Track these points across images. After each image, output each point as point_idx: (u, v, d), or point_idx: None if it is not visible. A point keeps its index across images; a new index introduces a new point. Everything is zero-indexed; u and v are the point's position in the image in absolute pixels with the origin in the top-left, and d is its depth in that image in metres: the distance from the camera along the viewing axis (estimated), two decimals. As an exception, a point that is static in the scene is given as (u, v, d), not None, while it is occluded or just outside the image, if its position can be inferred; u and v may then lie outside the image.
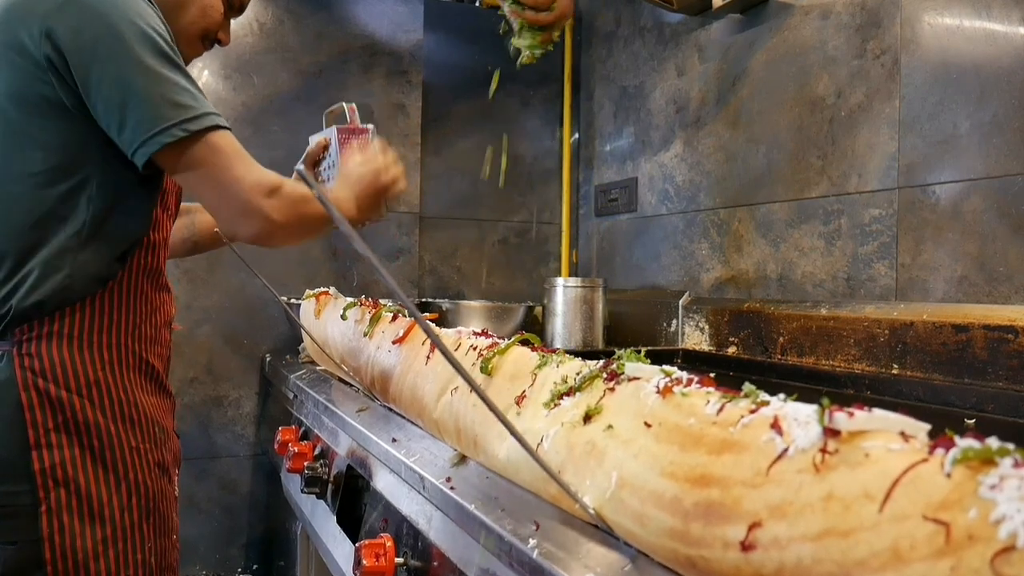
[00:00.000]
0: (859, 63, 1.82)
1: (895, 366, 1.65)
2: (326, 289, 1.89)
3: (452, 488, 0.91)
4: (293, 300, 2.14)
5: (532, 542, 0.70)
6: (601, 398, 0.73)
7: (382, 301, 1.61)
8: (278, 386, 2.20)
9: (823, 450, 0.48)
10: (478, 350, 1.01)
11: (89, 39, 1.10)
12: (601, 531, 0.69)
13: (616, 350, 0.81)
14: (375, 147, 1.47)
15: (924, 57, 1.67)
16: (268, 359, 2.44)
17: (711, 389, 0.64)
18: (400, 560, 1.02)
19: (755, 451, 0.53)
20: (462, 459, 1.01)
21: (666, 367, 0.71)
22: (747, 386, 0.61)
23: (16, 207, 1.15)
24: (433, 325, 1.33)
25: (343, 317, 1.60)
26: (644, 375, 0.71)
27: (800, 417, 0.53)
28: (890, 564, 0.41)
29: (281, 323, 2.50)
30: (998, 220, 1.52)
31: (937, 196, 1.64)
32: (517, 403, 0.86)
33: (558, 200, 2.98)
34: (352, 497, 1.41)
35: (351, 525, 1.38)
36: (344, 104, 1.64)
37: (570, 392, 0.79)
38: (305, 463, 1.58)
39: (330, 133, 1.59)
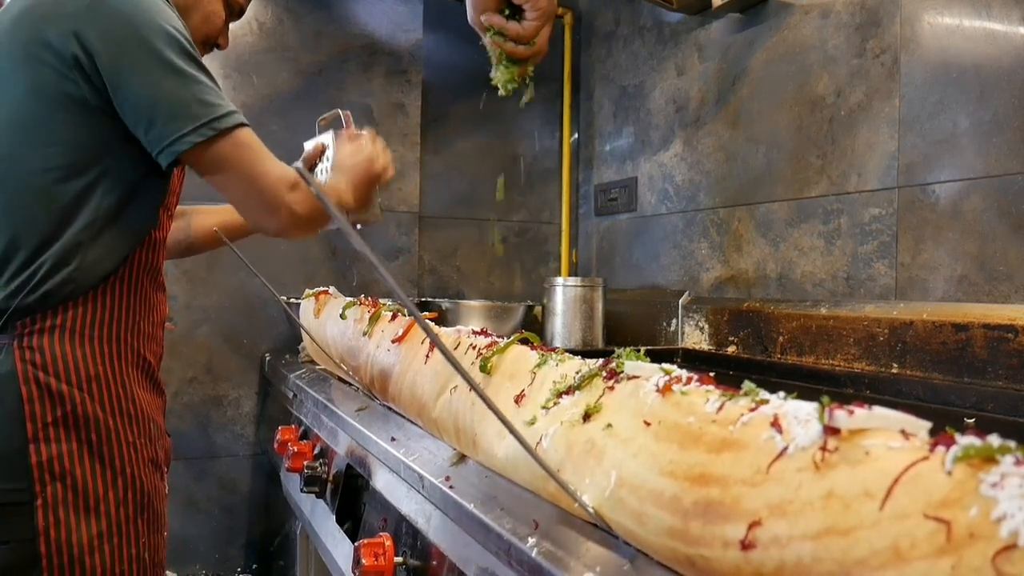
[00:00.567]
0: (859, 62, 1.82)
1: (895, 365, 1.64)
2: (325, 288, 1.89)
3: (451, 487, 0.91)
4: (292, 299, 2.14)
5: (531, 541, 0.70)
6: (600, 397, 0.73)
7: (382, 300, 1.60)
8: (277, 385, 2.19)
9: (823, 448, 0.48)
10: (477, 349, 1.01)
11: (118, 40, 1.13)
12: (600, 530, 0.69)
13: (616, 349, 0.80)
14: (366, 137, 1.50)
15: (924, 56, 1.67)
16: (267, 358, 2.44)
17: (711, 387, 0.64)
18: (399, 559, 1.01)
19: (755, 449, 0.53)
20: (461, 458, 1.00)
21: (665, 365, 0.71)
22: (747, 384, 0.60)
23: (34, 201, 1.17)
24: (432, 324, 1.33)
25: (342, 316, 1.59)
26: (643, 374, 0.71)
27: (800, 415, 0.52)
28: (891, 563, 0.41)
29: (280, 322, 2.50)
30: (998, 219, 1.52)
31: (937, 195, 1.64)
32: (516, 402, 0.86)
33: (558, 200, 2.98)
34: (351, 496, 1.41)
35: (350, 524, 1.37)
36: (340, 111, 1.66)
37: (569, 391, 0.78)
38: (304, 462, 1.58)
39: (326, 138, 1.61)
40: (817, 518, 0.46)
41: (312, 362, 2.05)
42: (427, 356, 1.16)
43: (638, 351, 0.77)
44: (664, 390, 0.66)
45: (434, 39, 2.76)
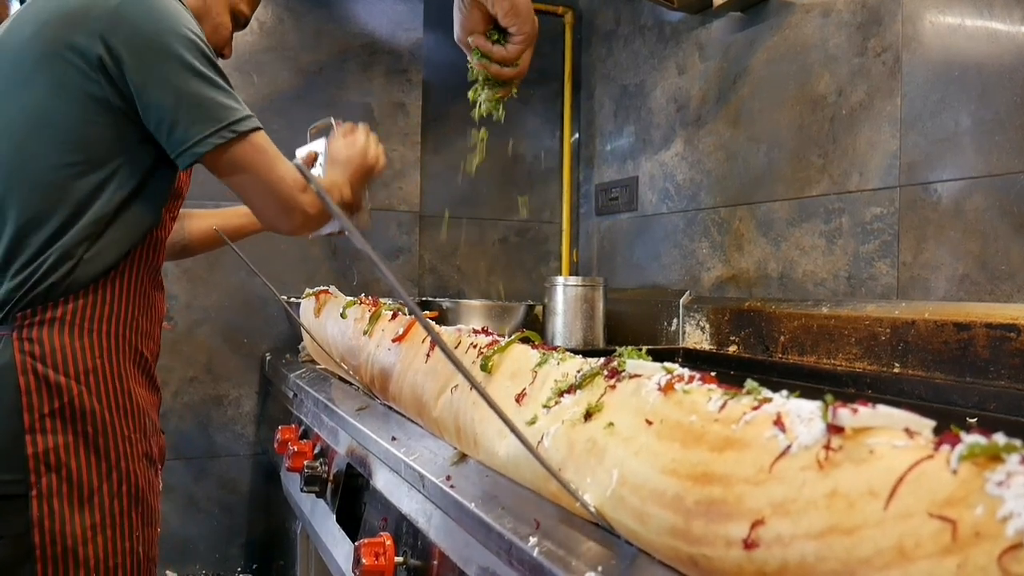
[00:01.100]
0: (860, 61, 1.81)
1: (896, 365, 1.64)
2: (326, 288, 1.89)
3: (452, 486, 0.90)
4: (293, 299, 2.14)
5: (532, 540, 0.70)
6: (602, 395, 0.73)
7: (382, 300, 1.60)
8: (278, 385, 2.19)
9: (827, 447, 0.48)
10: (478, 348, 1.01)
11: (144, 44, 1.18)
12: (602, 529, 0.69)
13: (617, 349, 0.80)
14: (359, 131, 1.56)
15: (925, 55, 1.66)
16: (268, 358, 2.43)
17: (713, 386, 0.63)
18: (400, 559, 1.01)
19: (758, 448, 0.52)
20: (462, 457, 1.00)
21: (667, 364, 0.70)
22: (749, 383, 0.60)
23: (48, 195, 1.20)
24: (433, 323, 1.33)
25: (343, 316, 1.59)
26: (645, 372, 0.71)
27: (803, 414, 0.52)
28: (895, 562, 0.41)
29: (281, 322, 2.49)
30: (1000, 218, 1.52)
31: (939, 194, 1.63)
32: (517, 401, 0.86)
33: (558, 199, 2.98)
34: (352, 496, 1.41)
35: (351, 524, 1.37)
36: (331, 119, 1.69)
37: (571, 390, 0.78)
38: (305, 462, 1.58)
39: (318, 146, 1.65)
40: (821, 517, 0.45)
41: (312, 361, 2.05)
42: (428, 355, 1.16)
43: (640, 350, 0.77)
44: (666, 389, 0.65)
45: (435, 38, 2.76)
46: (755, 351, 2.02)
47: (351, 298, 1.67)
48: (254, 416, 2.52)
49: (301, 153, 1.69)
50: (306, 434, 1.77)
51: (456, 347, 1.07)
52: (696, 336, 2.26)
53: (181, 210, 1.66)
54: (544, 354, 0.89)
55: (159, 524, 1.36)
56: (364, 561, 0.99)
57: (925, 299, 1.65)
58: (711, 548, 0.53)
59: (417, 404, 1.15)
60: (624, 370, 0.74)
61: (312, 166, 1.70)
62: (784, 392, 0.57)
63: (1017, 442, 0.41)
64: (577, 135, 3.00)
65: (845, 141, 1.85)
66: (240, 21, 1.51)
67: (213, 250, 1.81)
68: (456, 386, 1.02)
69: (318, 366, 1.98)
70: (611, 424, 0.68)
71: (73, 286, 1.21)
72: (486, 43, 1.24)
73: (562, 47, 2.95)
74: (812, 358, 1.85)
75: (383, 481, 1.18)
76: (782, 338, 1.94)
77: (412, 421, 1.22)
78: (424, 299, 2.64)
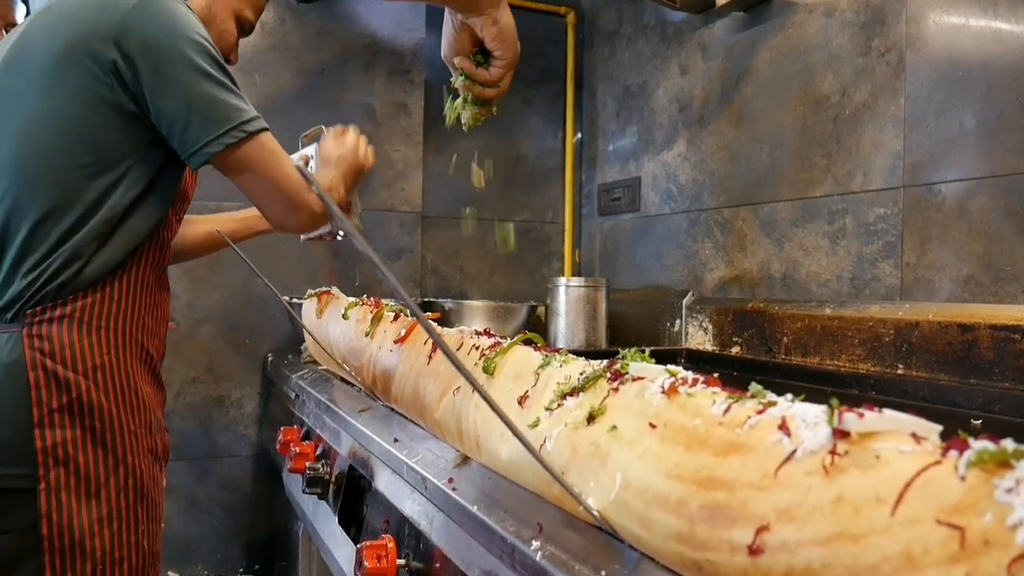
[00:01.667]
0: (864, 61, 1.81)
1: (900, 366, 1.63)
2: (328, 289, 1.88)
3: (454, 489, 0.90)
4: (295, 300, 2.13)
5: (535, 544, 0.69)
6: (605, 398, 0.72)
7: (384, 301, 1.60)
8: (280, 386, 2.19)
9: (832, 452, 0.47)
10: (480, 350, 1.00)
11: (156, 48, 1.21)
12: (605, 533, 0.68)
13: (620, 350, 0.79)
14: (349, 132, 1.60)
15: (929, 55, 1.66)
16: (270, 359, 2.43)
17: (717, 389, 0.63)
18: (402, 561, 1.01)
19: (762, 453, 0.52)
20: (464, 460, 1.00)
21: (671, 367, 0.70)
22: (754, 386, 0.59)
23: (62, 196, 1.23)
24: (435, 324, 1.33)
25: (345, 317, 1.59)
26: (649, 375, 0.70)
27: (808, 418, 0.52)
28: (902, 569, 0.40)
29: (283, 323, 2.49)
30: (1004, 219, 1.51)
31: (943, 195, 1.63)
32: (520, 403, 0.85)
33: (561, 200, 2.97)
34: (354, 498, 1.40)
35: (353, 526, 1.37)
36: (322, 127, 1.72)
37: (573, 392, 0.78)
38: (307, 463, 1.57)
39: (309, 152, 1.68)
40: (827, 523, 0.45)
41: (314, 363, 2.05)
42: (430, 357, 1.15)
43: (643, 352, 0.77)
44: (670, 392, 0.65)
45: (437, 38, 2.71)
46: (758, 352, 2.02)
47: (353, 299, 1.67)
48: (256, 417, 2.52)
49: (293, 159, 1.71)
50: (308, 435, 1.77)
51: (458, 349, 1.06)
52: (699, 337, 2.25)
53: None
54: (547, 356, 0.89)
55: (163, 520, 1.39)
56: (366, 563, 0.99)
57: (929, 300, 1.64)
58: (716, 553, 0.52)
59: (419, 406, 1.14)
60: (627, 373, 0.73)
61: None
62: (789, 396, 0.57)
63: (1026, 448, 0.40)
64: (579, 135, 2.99)
65: (849, 141, 1.85)
66: (245, 27, 1.55)
67: (206, 255, 1.84)
68: (458, 388, 1.02)
69: (320, 367, 1.97)
70: (614, 427, 0.68)
71: (82, 284, 1.25)
72: (472, 66, 1.30)
73: (564, 47, 2.95)
74: (815, 359, 1.84)
75: (385, 483, 1.18)
76: (785, 339, 1.93)
77: (414, 423, 1.22)
78: (426, 300, 2.64)
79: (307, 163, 1.71)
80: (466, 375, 0.64)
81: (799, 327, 1.89)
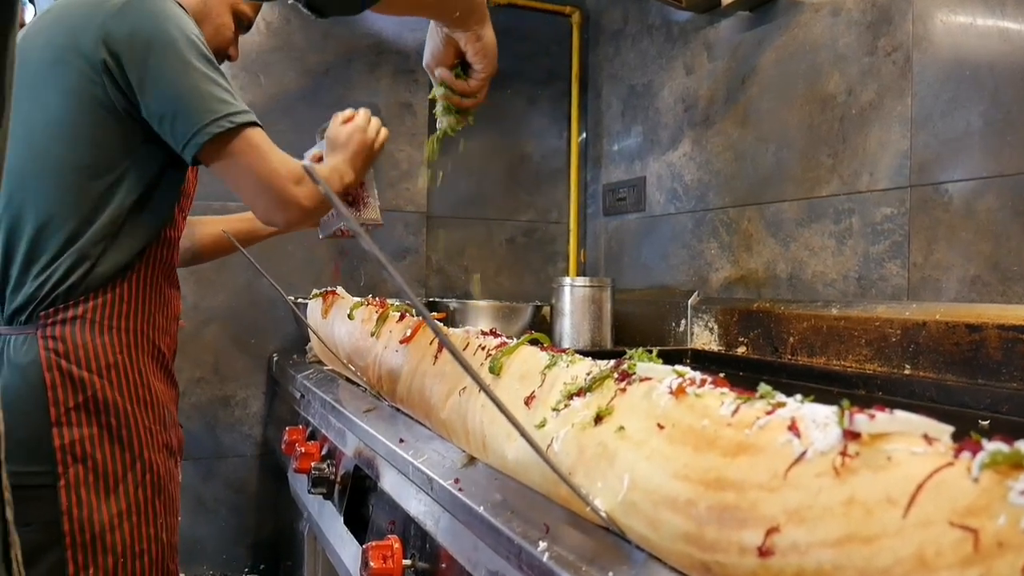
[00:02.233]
0: (870, 60, 1.80)
1: (907, 367, 1.63)
2: (333, 288, 1.88)
3: (460, 489, 0.90)
4: (300, 300, 2.14)
5: (542, 545, 0.69)
6: (612, 399, 0.72)
7: (389, 301, 1.60)
8: (285, 386, 2.19)
9: (843, 453, 0.47)
10: (486, 350, 1.00)
11: (143, 43, 1.22)
12: (613, 534, 0.68)
13: (626, 350, 0.79)
14: (360, 113, 1.55)
15: (936, 54, 1.65)
16: (275, 359, 2.43)
17: (725, 390, 0.63)
18: (408, 562, 1.01)
19: (772, 454, 0.52)
20: (470, 460, 0.99)
21: (678, 367, 0.70)
22: (763, 387, 0.59)
23: (64, 198, 1.25)
24: (441, 325, 1.33)
25: (350, 317, 1.59)
26: (656, 375, 0.70)
27: (818, 419, 0.51)
28: (915, 572, 0.40)
29: (288, 323, 2.49)
30: (1012, 219, 1.51)
31: (950, 194, 1.62)
32: (526, 404, 0.85)
33: (566, 199, 2.97)
34: (359, 498, 1.40)
35: (358, 526, 1.37)
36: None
37: (580, 392, 0.77)
38: (312, 463, 1.57)
39: (324, 146, 1.64)
40: (838, 525, 0.44)
41: (319, 362, 2.05)
42: (435, 357, 1.15)
43: (650, 352, 0.76)
44: (677, 392, 0.65)
45: (441, 38, 2.74)
46: (764, 352, 2.01)
47: (358, 299, 1.67)
48: (261, 417, 2.52)
49: (309, 155, 1.69)
50: (313, 435, 1.77)
51: (464, 349, 1.06)
52: (704, 337, 2.25)
53: (189, 218, 1.69)
54: (553, 356, 0.88)
55: (179, 513, 1.42)
56: (372, 564, 0.99)
57: (936, 300, 1.64)
58: (725, 555, 0.52)
59: (425, 406, 1.14)
60: (635, 373, 0.73)
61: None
62: (798, 396, 0.57)
63: (1040, 449, 0.40)
64: (584, 135, 2.99)
65: (855, 141, 1.84)
66: (243, 23, 1.54)
67: (224, 255, 1.84)
68: (464, 388, 1.02)
69: (325, 367, 1.97)
70: (622, 428, 0.67)
71: (92, 285, 1.27)
72: (451, 77, 1.33)
73: (569, 47, 2.94)
74: (822, 359, 1.84)
75: (391, 483, 1.17)
76: (791, 339, 1.92)
77: (420, 423, 1.22)
78: (431, 300, 2.63)
79: (321, 158, 1.68)
80: (473, 375, 0.64)
81: (805, 327, 1.89)
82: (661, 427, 0.63)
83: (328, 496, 1.54)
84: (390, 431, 1.23)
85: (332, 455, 1.58)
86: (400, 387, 1.26)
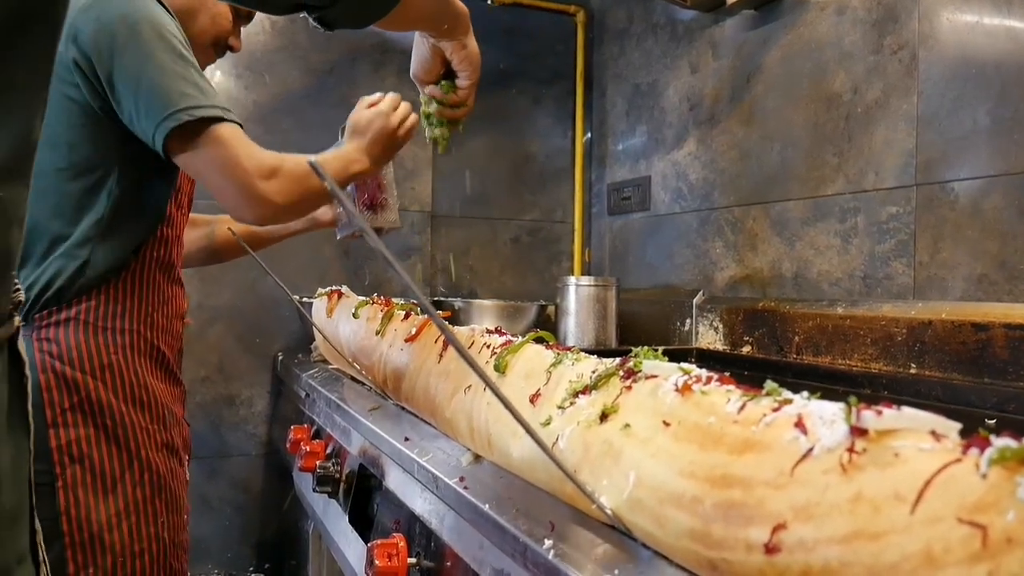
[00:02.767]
0: (876, 59, 1.80)
1: (913, 366, 1.62)
2: (338, 287, 1.89)
3: (466, 487, 0.90)
4: (305, 298, 2.14)
5: (547, 543, 0.69)
6: (618, 396, 0.72)
7: (394, 299, 1.60)
8: (290, 385, 2.19)
9: (850, 450, 0.47)
10: (492, 348, 1.00)
11: (109, 38, 1.19)
12: (618, 532, 0.68)
13: (631, 349, 0.79)
14: (387, 98, 1.48)
15: (942, 52, 1.65)
16: (280, 358, 2.44)
17: (731, 387, 0.62)
18: (413, 560, 1.00)
19: (778, 451, 0.52)
20: (476, 458, 0.99)
21: (684, 365, 0.69)
22: (769, 384, 0.59)
23: (47, 200, 1.24)
24: (446, 323, 1.32)
25: (355, 315, 1.59)
26: (662, 373, 0.70)
27: (825, 416, 0.51)
28: (923, 568, 0.40)
29: (293, 322, 2.49)
30: (1018, 217, 1.50)
31: (956, 193, 1.62)
32: (531, 402, 0.85)
33: (570, 199, 2.97)
34: (364, 496, 1.40)
35: (363, 524, 1.37)
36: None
37: (586, 390, 0.77)
38: (317, 462, 1.57)
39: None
40: (845, 521, 0.44)
41: (325, 361, 2.05)
42: (440, 355, 1.15)
43: (656, 350, 0.76)
44: (683, 390, 0.65)
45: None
46: (769, 351, 2.01)
47: (363, 298, 1.67)
48: (266, 416, 2.52)
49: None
50: (318, 434, 1.77)
51: (469, 347, 1.06)
52: (709, 336, 2.24)
53: (209, 216, 1.69)
54: (558, 354, 0.88)
55: (186, 511, 1.43)
56: (377, 562, 0.99)
57: (942, 299, 1.63)
58: (731, 552, 0.52)
59: (430, 404, 1.14)
60: (640, 371, 0.73)
61: None
62: (804, 393, 0.56)
63: (1049, 446, 0.40)
64: (589, 134, 2.99)
65: (861, 139, 1.84)
66: (242, 13, 1.50)
67: (243, 256, 1.82)
68: (470, 386, 1.01)
69: (330, 366, 1.98)
70: (627, 425, 0.67)
71: (85, 286, 1.27)
72: (438, 92, 1.34)
73: (574, 46, 2.94)
74: (827, 359, 1.83)
75: (396, 481, 1.18)
76: (796, 338, 1.92)
77: (425, 421, 1.22)
78: (436, 299, 2.64)
79: None
80: (479, 372, 0.64)
81: (810, 326, 1.88)
82: (667, 424, 0.63)
83: (333, 495, 1.54)
84: (395, 430, 1.23)
85: (337, 454, 1.58)
86: (405, 386, 1.26)
